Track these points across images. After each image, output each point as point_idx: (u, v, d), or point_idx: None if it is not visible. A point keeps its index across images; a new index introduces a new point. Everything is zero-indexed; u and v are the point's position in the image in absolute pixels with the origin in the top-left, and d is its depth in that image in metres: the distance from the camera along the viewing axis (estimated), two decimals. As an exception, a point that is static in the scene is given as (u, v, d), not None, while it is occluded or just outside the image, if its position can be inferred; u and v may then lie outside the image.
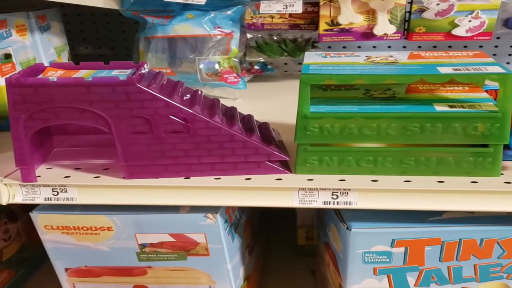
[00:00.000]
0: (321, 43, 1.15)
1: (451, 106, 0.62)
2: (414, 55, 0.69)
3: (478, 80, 0.60)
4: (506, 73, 0.58)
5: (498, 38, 1.30)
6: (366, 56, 0.69)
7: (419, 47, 1.34)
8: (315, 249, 1.04)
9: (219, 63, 1.08)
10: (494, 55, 1.33)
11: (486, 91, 0.69)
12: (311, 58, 0.69)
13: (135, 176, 0.67)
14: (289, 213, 1.11)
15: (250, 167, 0.67)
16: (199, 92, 0.71)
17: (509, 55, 1.33)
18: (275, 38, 1.20)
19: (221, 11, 1.09)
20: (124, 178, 0.67)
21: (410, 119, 0.61)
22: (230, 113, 0.71)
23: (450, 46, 1.33)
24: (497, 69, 0.59)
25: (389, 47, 1.35)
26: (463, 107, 0.62)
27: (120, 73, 0.65)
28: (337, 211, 0.71)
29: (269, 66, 1.27)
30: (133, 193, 0.67)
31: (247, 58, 1.21)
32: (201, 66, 1.08)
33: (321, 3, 1.08)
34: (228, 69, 1.09)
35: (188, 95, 0.68)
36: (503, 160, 0.63)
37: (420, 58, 0.67)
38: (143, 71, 0.66)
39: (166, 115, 0.63)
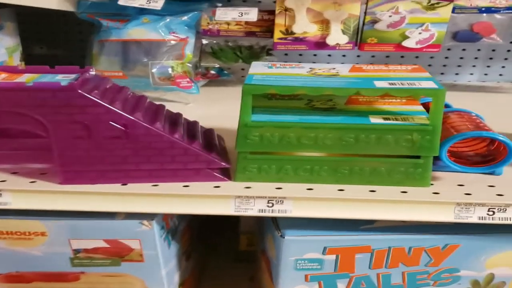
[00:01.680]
0: (276, 51, 1.16)
1: (385, 118, 0.64)
2: (355, 68, 0.70)
3: (412, 94, 0.62)
4: (437, 89, 0.60)
5: (448, 49, 1.34)
6: (310, 68, 0.70)
7: (373, 56, 1.37)
8: (256, 255, 1.04)
9: (172, 67, 1.09)
10: (444, 66, 1.37)
11: (423, 103, 0.71)
12: (256, 68, 0.71)
13: (72, 182, 0.66)
14: (233, 218, 1.11)
15: (190, 174, 0.67)
16: (144, 98, 0.71)
17: (458, 66, 1.37)
18: (230, 44, 1.21)
19: (177, 17, 1.09)
20: (60, 183, 0.66)
21: (345, 130, 0.63)
22: (174, 119, 0.71)
23: (402, 57, 1.36)
24: (430, 84, 0.61)
25: (343, 56, 1.38)
26: (396, 119, 0.63)
27: (64, 78, 0.65)
28: (273, 219, 0.72)
29: (225, 72, 1.28)
30: (69, 199, 0.66)
31: (202, 64, 1.22)
32: (154, 70, 1.08)
33: (277, 12, 1.10)
34: (181, 74, 1.09)
35: (132, 101, 0.68)
36: (434, 170, 0.65)
37: (360, 71, 0.69)
38: (87, 76, 0.65)
39: (106, 121, 0.62)
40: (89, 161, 0.65)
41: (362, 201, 0.63)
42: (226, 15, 1.09)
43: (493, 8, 1.11)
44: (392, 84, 0.62)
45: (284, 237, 0.68)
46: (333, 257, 0.70)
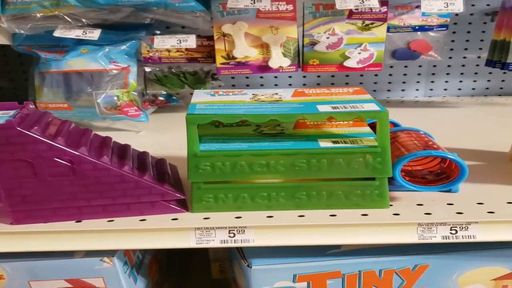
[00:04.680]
0: (220, 75, 1.16)
1: (334, 142, 0.63)
2: (298, 93, 0.70)
3: (355, 117, 0.62)
4: (380, 111, 0.60)
5: (391, 67, 1.37)
6: (253, 94, 0.70)
7: (318, 76, 1.38)
8: (229, 284, 1.02)
9: (117, 96, 1.07)
10: (390, 83, 1.40)
11: (370, 124, 0.72)
12: (199, 96, 0.70)
13: (23, 222, 0.64)
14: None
15: (144, 207, 0.65)
16: (89, 131, 0.69)
17: (403, 82, 1.40)
18: (174, 71, 1.20)
19: (116, 46, 1.08)
20: (11, 223, 0.64)
21: (296, 155, 0.62)
22: (123, 152, 0.69)
23: (347, 75, 1.38)
24: (372, 107, 0.61)
25: (290, 77, 1.39)
26: (345, 142, 0.63)
27: (3, 115, 0.63)
28: (238, 248, 0.70)
29: (173, 97, 1.28)
30: (23, 240, 0.64)
31: (148, 91, 1.20)
32: (99, 100, 1.06)
33: (215, 38, 1.10)
34: (128, 102, 1.08)
35: (76, 135, 0.66)
36: (391, 190, 0.65)
37: (303, 95, 0.69)
38: (26, 112, 0.63)
39: (50, 158, 0.60)
40: (38, 199, 0.63)
41: (323, 226, 0.62)
42: (164, 42, 1.09)
43: (426, 26, 1.15)
44: (335, 108, 0.62)
45: (251, 267, 0.67)
46: (305, 284, 0.69)
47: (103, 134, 0.72)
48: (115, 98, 1.07)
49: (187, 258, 1.18)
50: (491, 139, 0.94)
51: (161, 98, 1.25)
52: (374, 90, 1.40)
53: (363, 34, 1.10)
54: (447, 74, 1.38)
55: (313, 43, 1.11)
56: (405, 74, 1.38)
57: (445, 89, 1.40)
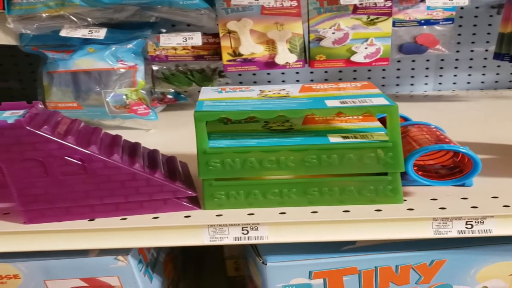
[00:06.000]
0: (227, 72, 1.16)
1: (344, 137, 0.63)
2: (305, 88, 0.70)
3: (364, 112, 0.61)
4: (390, 105, 0.59)
5: (398, 61, 1.36)
6: (260, 90, 0.69)
7: (326, 72, 1.38)
8: (245, 281, 1.02)
9: (126, 95, 1.07)
10: (398, 77, 1.39)
11: (380, 118, 0.71)
12: (206, 93, 0.69)
13: (36, 221, 0.64)
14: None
15: (157, 205, 0.65)
16: (98, 129, 0.69)
17: (412, 77, 1.39)
18: (181, 69, 1.19)
19: (122, 45, 1.08)
20: (24, 223, 0.64)
21: (306, 151, 0.61)
22: (133, 150, 0.69)
23: (355, 71, 1.38)
24: (381, 101, 0.61)
25: (297, 73, 1.39)
26: (355, 137, 0.62)
27: (11, 115, 0.62)
28: (253, 245, 0.69)
29: (182, 95, 1.28)
30: (36, 239, 0.63)
31: (156, 89, 1.20)
32: (108, 99, 1.07)
33: (221, 35, 1.10)
34: (136, 101, 1.08)
35: (86, 134, 0.66)
36: (403, 185, 0.64)
37: (311, 91, 0.68)
38: (35, 111, 0.63)
39: (60, 157, 0.60)
40: (50, 198, 0.63)
41: (337, 222, 0.61)
42: (170, 41, 1.09)
43: (431, 20, 1.14)
44: (344, 102, 0.61)
45: (266, 264, 0.66)
46: (321, 281, 0.68)
47: (113, 132, 0.72)
48: (124, 96, 1.07)
49: (202, 256, 1.17)
50: (502, 132, 0.94)
51: (169, 96, 1.25)
52: (383, 85, 1.39)
53: (368, 29, 1.09)
54: (455, 68, 1.37)
55: (319, 39, 1.10)
56: (413, 69, 1.38)
57: (454, 83, 1.39)
